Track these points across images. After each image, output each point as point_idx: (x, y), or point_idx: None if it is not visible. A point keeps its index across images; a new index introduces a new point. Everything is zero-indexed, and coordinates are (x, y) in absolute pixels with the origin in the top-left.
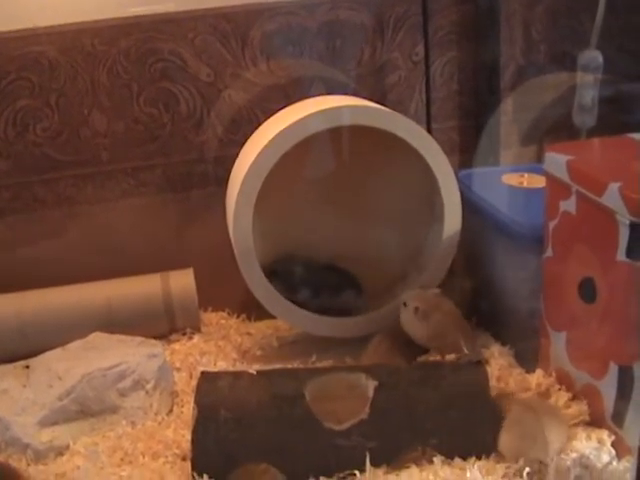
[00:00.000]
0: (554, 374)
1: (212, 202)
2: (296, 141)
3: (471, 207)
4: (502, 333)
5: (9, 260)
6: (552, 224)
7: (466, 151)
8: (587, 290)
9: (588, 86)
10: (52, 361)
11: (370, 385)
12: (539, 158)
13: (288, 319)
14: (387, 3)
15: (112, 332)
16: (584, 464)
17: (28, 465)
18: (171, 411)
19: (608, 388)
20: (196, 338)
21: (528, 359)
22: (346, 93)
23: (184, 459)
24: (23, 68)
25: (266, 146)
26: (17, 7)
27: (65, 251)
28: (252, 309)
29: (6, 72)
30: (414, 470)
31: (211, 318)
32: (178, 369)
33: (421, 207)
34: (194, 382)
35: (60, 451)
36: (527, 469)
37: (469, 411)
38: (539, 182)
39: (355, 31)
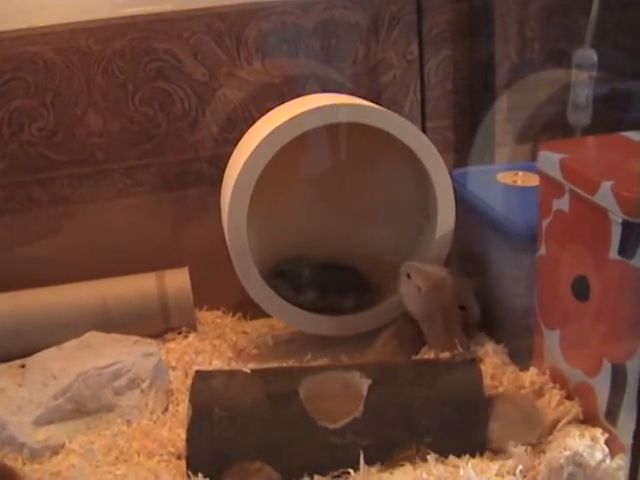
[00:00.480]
0: (548, 372)
1: (207, 201)
2: (290, 138)
3: (465, 205)
4: (496, 331)
5: (4, 259)
6: (545, 222)
7: (461, 150)
8: (580, 288)
9: (583, 84)
10: (48, 360)
11: (364, 383)
12: (534, 156)
13: (283, 318)
14: (381, 2)
15: (107, 331)
16: (577, 462)
17: (24, 464)
18: (166, 410)
19: (601, 386)
20: (191, 337)
21: (522, 357)
22: (341, 92)
23: (179, 458)
24: (18, 68)
25: (260, 143)
26: (12, 7)
27: (60, 250)
28: (247, 308)
29: (1, 72)
30: (408, 468)
31: (206, 317)
32: (173, 368)
33: (415, 205)
34: (189, 381)
35: (56, 450)
36: (520, 467)
37: (463, 409)
38: (533, 180)
39: (350, 30)
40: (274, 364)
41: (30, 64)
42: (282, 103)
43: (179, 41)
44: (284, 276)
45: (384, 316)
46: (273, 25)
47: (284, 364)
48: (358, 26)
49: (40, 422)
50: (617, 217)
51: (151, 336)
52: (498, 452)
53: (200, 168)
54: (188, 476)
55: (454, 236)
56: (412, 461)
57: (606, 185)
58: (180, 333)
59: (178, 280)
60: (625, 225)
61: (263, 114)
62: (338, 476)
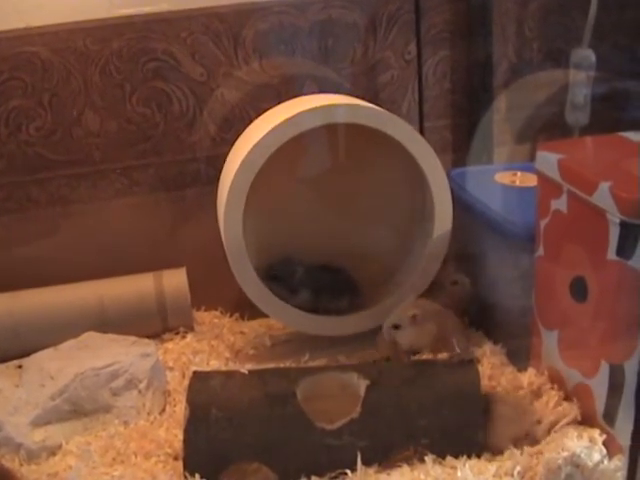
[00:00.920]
0: (546, 373)
1: (205, 201)
2: (286, 139)
3: (463, 206)
4: (494, 331)
5: (2, 259)
6: (543, 223)
7: (459, 150)
8: (578, 289)
9: (581, 84)
10: (45, 361)
11: (362, 384)
12: (532, 156)
13: (280, 318)
14: (379, 2)
15: (105, 331)
16: (575, 463)
17: (21, 465)
18: (164, 410)
19: (599, 387)
20: (189, 337)
21: (520, 358)
22: (338, 92)
23: (176, 458)
24: (16, 68)
25: (256, 144)
26: (9, 7)
27: (58, 250)
28: (245, 308)
29: None
30: (405, 469)
31: (204, 317)
32: (171, 368)
33: (412, 206)
34: (187, 381)
35: (53, 451)
36: (518, 468)
37: (461, 410)
38: (531, 181)
39: (347, 30)
40: (272, 364)
41: (27, 64)
42: (279, 103)
43: (177, 41)
44: (277, 279)
45: (381, 316)
46: (270, 25)
47: (282, 364)
48: (356, 26)
49: (37, 423)
50: (615, 218)
51: (149, 336)
52: (496, 452)
53: (197, 168)
54: (185, 477)
55: (452, 236)
56: (409, 462)
57: (604, 186)
58: (178, 333)
59: (176, 280)
60: (623, 226)
61: (260, 114)
62: (335, 477)
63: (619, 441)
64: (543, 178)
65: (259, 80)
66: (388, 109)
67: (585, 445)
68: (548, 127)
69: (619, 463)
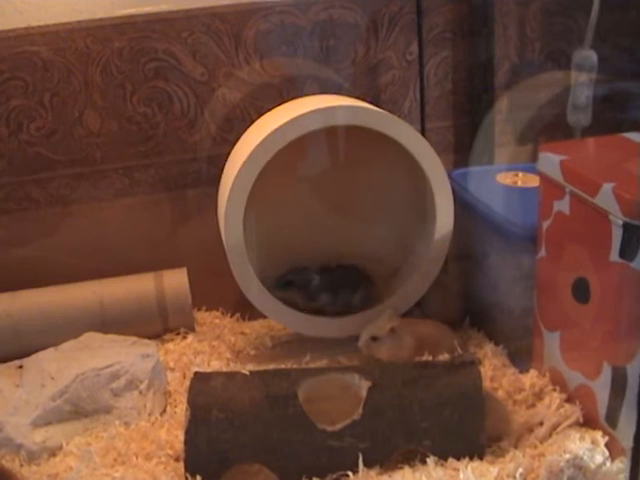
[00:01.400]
0: (548, 374)
1: (206, 201)
2: (288, 141)
3: (465, 206)
4: (496, 333)
5: (2, 259)
6: (546, 224)
7: (460, 150)
8: (581, 290)
9: (583, 85)
10: (45, 361)
11: (363, 385)
12: (533, 157)
13: (280, 319)
14: (381, 2)
15: (105, 332)
16: (577, 465)
17: (21, 466)
18: (164, 411)
19: (602, 388)
20: (190, 338)
21: (522, 359)
22: (340, 92)
23: (177, 460)
24: (17, 68)
25: (258, 145)
26: (10, 7)
27: (58, 250)
28: (246, 308)
29: (0, 71)
30: (407, 471)
31: (205, 317)
32: (172, 369)
33: (414, 206)
34: (188, 382)
35: (53, 451)
36: (520, 470)
37: (463, 412)
38: (533, 181)
39: (349, 30)
40: (272, 365)
41: (28, 64)
42: (281, 103)
43: (178, 41)
44: (294, 286)
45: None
46: (272, 25)
47: (283, 365)
48: (357, 26)
49: (37, 423)
50: (618, 219)
51: (149, 337)
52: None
53: (198, 168)
54: (186, 478)
55: (453, 237)
56: (411, 464)
57: (607, 187)
58: (178, 334)
59: (176, 280)
60: (626, 227)
61: (261, 114)
62: (337, 479)
63: (621, 443)
64: (545, 179)
65: (260, 80)
66: (389, 109)
67: (587, 447)
68: (550, 128)
69: (621, 465)
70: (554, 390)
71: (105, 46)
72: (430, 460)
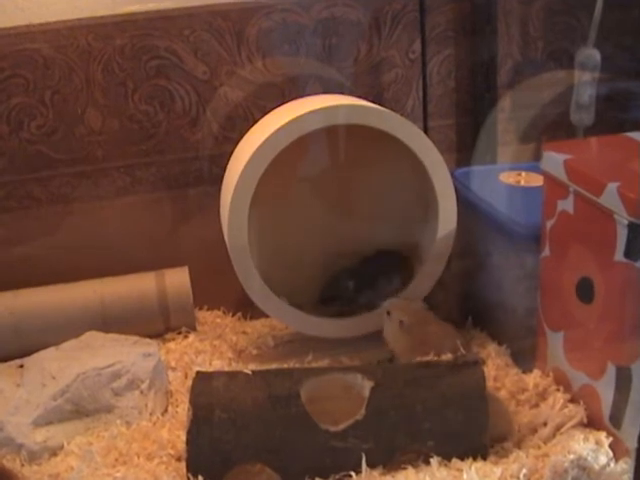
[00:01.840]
0: (551, 374)
1: (207, 200)
2: (291, 140)
3: (468, 206)
4: (499, 333)
5: (3, 258)
6: (550, 223)
7: (463, 149)
8: (585, 290)
9: (586, 84)
10: (46, 360)
11: (366, 385)
12: (536, 156)
13: (282, 319)
14: (383, 0)
15: (106, 331)
16: (582, 466)
17: (22, 465)
18: (166, 411)
19: (606, 389)
20: (191, 337)
21: (525, 359)
22: (342, 91)
23: (179, 460)
24: (18, 65)
25: (261, 145)
26: (11, 4)
27: (59, 249)
28: (248, 308)
29: (1, 69)
30: (410, 471)
31: (206, 317)
32: (173, 368)
33: (417, 205)
34: (189, 381)
35: (54, 451)
36: (524, 470)
37: (466, 412)
38: (537, 181)
39: (351, 28)
40: (275, 365)
41: (29, 61)
42: (283, 102)
43: (179, 39)
44: (336, 301)
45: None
46: (274, 23)
47: (285, 365)
48: (360, 24)
49: (39, 423)
50: (623, 219)
51: (150, 336)
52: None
53: (200, 167)
54: (188, 478)
55: (456, 236)
56: (414, 464)
57: (612, 186)
58: (180, 333)
59: (178, 280)
60: (631, 227)
61: (264, 113)
62: (340, 479)
63: (625, 444)
64: (549, 178)
65: (262, 79)
66: (392, 108)
67: (591, 448)
68: (552, 127)
69: (625, 466)
70: (558, 390)
71: (106, 44)
72: (433, 460)
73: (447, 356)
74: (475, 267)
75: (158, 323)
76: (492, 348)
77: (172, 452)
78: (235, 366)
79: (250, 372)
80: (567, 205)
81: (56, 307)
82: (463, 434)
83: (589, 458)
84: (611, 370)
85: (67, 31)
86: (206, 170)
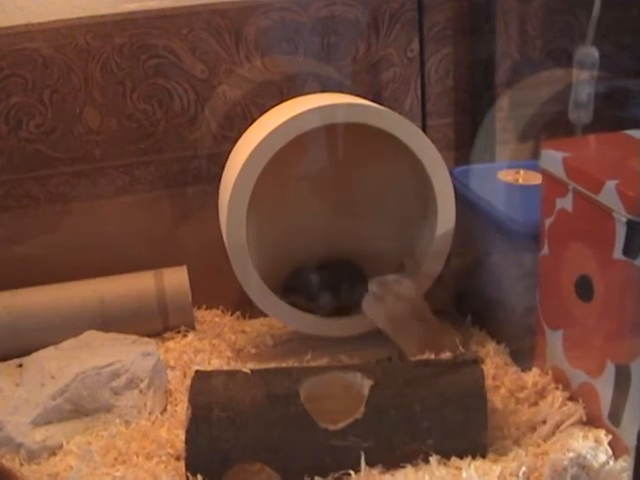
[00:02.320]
0: (550, 373)
1: (206, 199)
2: (289, 139)
3: (466, 204)
4: (498, 331)
5: (1, 257)
6: (548, 222)
7: (462, 147)
8: (584, 288)
9: (584, 82)
10: (45, 360)
11: (365, 384)
12: (535, 155)
13: (281, 317)
14: None
15: (106, 330)
16: (581, 464)
17: (21, 465)
18: (165, 410)
19: (605, 387)
20: (190, 336)
21: (524, 357)
22: (341, 90)
23: (178, 459)
24: (16, 64)
25: (259, 143)
26: (10, 3)
27: (58, 248)
28: (246, 307)
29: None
30: (409, 470)
31: (205, 316)
32: (172, 367)
33: (415, 204)
34: (188, 381)
35: (53, 451)
36: (523, 468)
37: (465, 410)
38: (535, 179)
39: (350, 27)
40: (273, 364)
41: (28, 60)
42: (281, 101)
43: (178, 37)
44: (294, 292)
45: None
46: (272, 22)
47: (284, 364)
48: (358, 23)
49: (38, 422)
50: (621, 216)
51: (149, 335)
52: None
53: (199, 166)
54: (187, 477)
55: (455, 235)
56: (414, 463)
57: (610, 184)
58: (179, 332)
59: (176, 279)
60: (629, 225)
61: (262, 112)
62: (339, 478)
63: (625, 442)
64: (548, 176)
65: (261, 77)
66: (390, 107)
67: (591, 446)
68: (551, 125)
69: (625, 464)
70: (557, 388)
71: (105, 43)
72: (433, 459)
73: (446, 355)
74: (474, 265)
75: (157, 322)
76: (491, 347)
77: (171, 451)
78: (234, 365)
79: (249, 371)
80: (566, 203)
81: (55, 306)
82: (462, 432)
83: (588, 456)
84: (610, 368)
85: (66, 30)
86: (205, 169)
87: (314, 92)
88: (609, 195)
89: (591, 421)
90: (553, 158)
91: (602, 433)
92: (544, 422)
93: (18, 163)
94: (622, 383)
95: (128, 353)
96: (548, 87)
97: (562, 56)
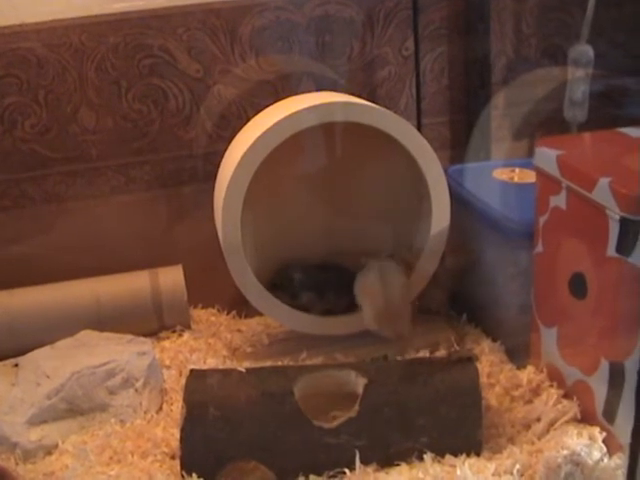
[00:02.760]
0: (545, 370)
1: (201, 198)
2: (284, 138)
3: (461, 202)
4: (493, 329)
5: None
6: (542, 219)
7: (457, 146)
8: (578, 286)
9: (579, 80)
10: (41, 359)
11: (360, 382)
12: (530, 152)
13: (276, 317)
14: None
15: (101, 330)
16: (575, 461)
17: (17, 464)
18: (160, 409)
19: (599, 384)
20: (186, 335)
21: (519, 355)
22: (336, 89)
23: (173, 458)
24: (11, 65)
25: (254, 142)
26: (4, 3)
27: (54, 248)
28: (242, 306)
29: None
30: (404, 468)
31: (201, 315)
32: (168, 367)
33: (411, 203)
34: (184, 380)
35: (49, 450)
36: (517, 466)
37: (459, 408)
38: (530, 177)
39: (344, 26)
40: (269, 363)
41: (23, 60)
42: (276, 100)
43: (173, 37)
44: (278, 288)
45: None
46: (267, 21)
47: (279, 363)
48: (353, 22)
49: (33, 422)
50: (615, 214)
51: (145, 334)
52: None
53: (194, 165)
54: (182, 476)
55: (450, 233)
56: (408, 461)
57: (604, 182)
58: (174, 331)
59: (172, 278)
60: (623, 222)
61: (257, 111)
62: (334, 476)
63: (619, 439)
64: (542, 174)
65: (256, 77)
66: (385, 105)
67: (585, 443)
68: (546, 123)
69: (619, 461)
70: (551, 386)
71: (100, 42)
72: (427, 457)
73: (441, 353)
74: (469, 264)
75: (153, 321)
76: (486, 344)
77: (166, 450)
78: (229, 364)
79: (244, 370)
80: (559, 201)
81: (51, 306)
82: (457, 430)
83: (582, 453)
84: (604, 365)
85: (61, 30)
86: (200, 168)
87: (309, 91)
88: (602, 193)
89: (585, 418)
90: (547, 156)
91: (596, 430)
92: (539, 420)
93: (14, 163)
94: (616, 380)
95: (123, 352)
96: (543, 85)
97: (557, 54)
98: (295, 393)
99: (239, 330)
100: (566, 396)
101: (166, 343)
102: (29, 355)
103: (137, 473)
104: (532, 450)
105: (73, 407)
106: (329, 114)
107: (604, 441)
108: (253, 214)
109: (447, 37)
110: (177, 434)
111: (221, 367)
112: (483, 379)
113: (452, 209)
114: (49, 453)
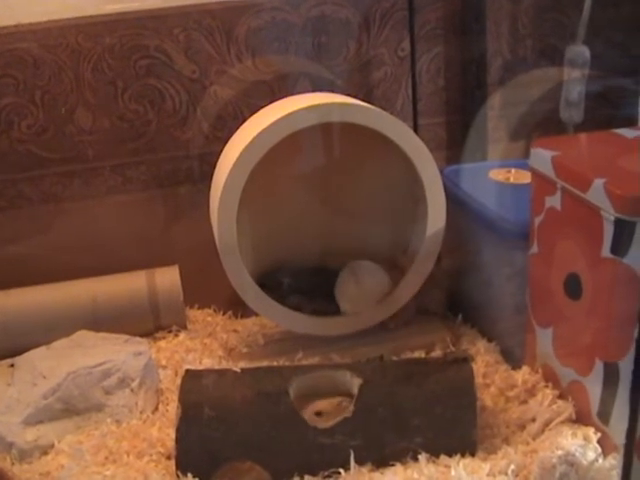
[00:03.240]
0: (540, 370)
1: (198, 199)
2: (279, 138)
3: (457, 203)
4: (489, 329)
5: None
6: (538, 220)
7: (453, 147)
8: (573, 286)
9: (575, 81)
10: (37, 359)
11: (355, 383)
12: (526, 153)
13: (272, 317)
14: None
15: (97, 330)
16: (570, 461)
17: (12, 464)
18: (156, 409)
19: (594, 385)
20: (182, 335)
21: (514, 355)
22: (332, 89)
23: (169, 458)
24: (7, 65)
25: (250, 143)
26: (0, 3)
27: (50, 248)
28: (238, 306)
29: None
30: (399, 468)
31: (197, 315)
32: (164, 367)
33: (406, 203)
34: (180, 380)
35: (45, 450)
36: (512, 466)
37: (454, 408)
38: (526, 178)
39: (341, 27)
40: (265, 363)
41: (19, 61)
42: (273, 101)
43: (169, 38)
44: (265, 288)
45: (374, 317)
46: (263, 22)
47: (275, 363)
48: (349, 23)
49: (29, 422)
50: (609, 215)
51: (141, 335)
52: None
53: (191, 165)
54: (178, 476)
55: (446, 234)
56: (403, 461)
57: (598, 183)
58: (170, 332)
59: (168, 278)
60: (617, 223)
61: (253, 112)
62: (329, 476)
63: (614, 439)
64: (537, 175)
65: (252, 77)
66: (382, 106)
67: (580, 443)
68: (542, 124)
69: (614, 462)
70: (546, 386)
71: (96, 43)
72: (422, 457)
73: (436, 353)
74: (465, 264)
75: (149, 322)
76: (482, 345)
77: (162, 450)
78: (225, 364)
79: (239, 370)
80: (555, 201)
81: (47, 306)
82: (452, 431)
83: (577, 454)
84: (599, 366)
85: (57, 31)
86: (197, 168)
87: (305, 92)
88: (597, 193)
89: (580, 419)
90: (542, 157)
91: (591, 431)
92: (533, 420)
93: (10, 163)
94: (611, 381)
95: (119, 352)
96: (539, 86)
97: (553, 55)
98: (290, 393)
99: (235, 330)
100: (561, 397)
101: (162, 343)
102: (25, 355)
103: (133, 473)
104: (527, 450)
105: (69, 407)
106: (325, 115)
107: (599, 441)
108: (249, 214)
109: (443, 38)
110: (173, 434)
111: (217, 367)
112: (478, 379)
113: (448, 210)
114: (45, 453)
